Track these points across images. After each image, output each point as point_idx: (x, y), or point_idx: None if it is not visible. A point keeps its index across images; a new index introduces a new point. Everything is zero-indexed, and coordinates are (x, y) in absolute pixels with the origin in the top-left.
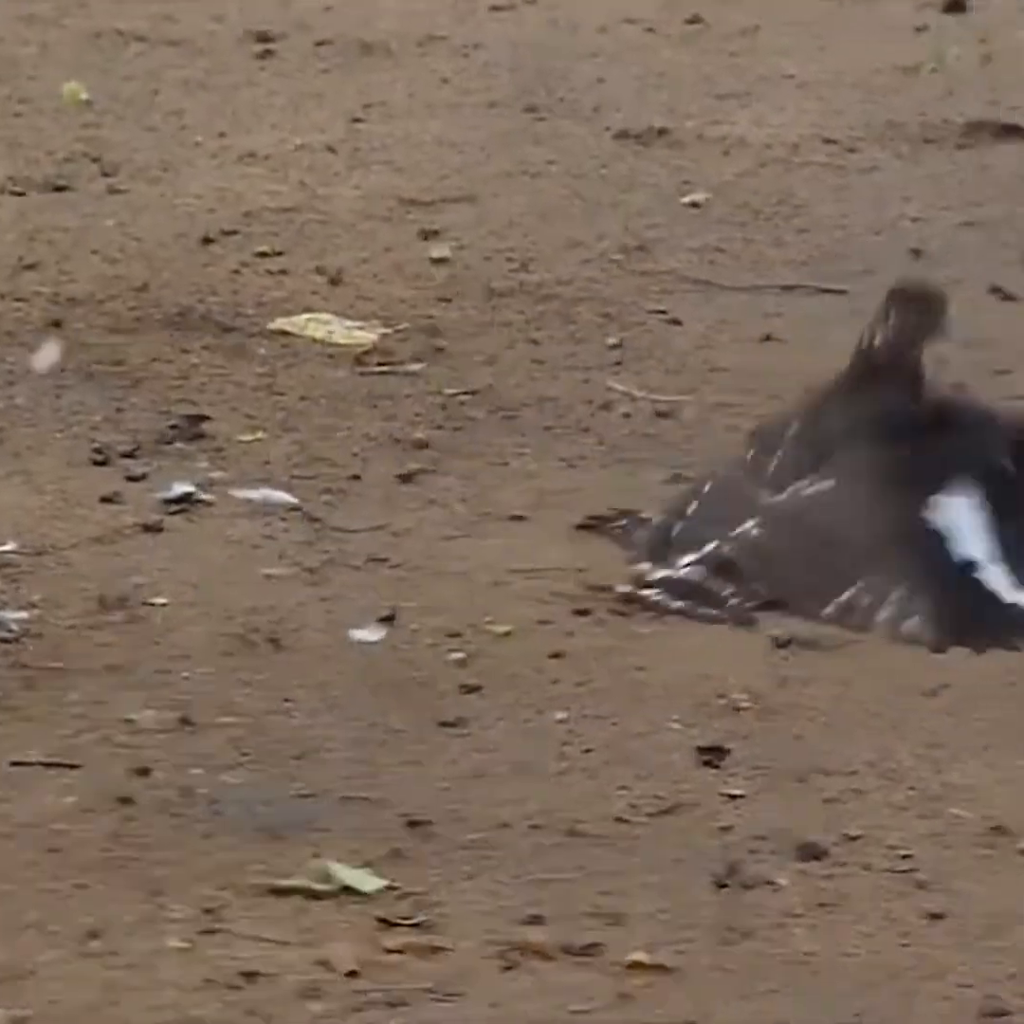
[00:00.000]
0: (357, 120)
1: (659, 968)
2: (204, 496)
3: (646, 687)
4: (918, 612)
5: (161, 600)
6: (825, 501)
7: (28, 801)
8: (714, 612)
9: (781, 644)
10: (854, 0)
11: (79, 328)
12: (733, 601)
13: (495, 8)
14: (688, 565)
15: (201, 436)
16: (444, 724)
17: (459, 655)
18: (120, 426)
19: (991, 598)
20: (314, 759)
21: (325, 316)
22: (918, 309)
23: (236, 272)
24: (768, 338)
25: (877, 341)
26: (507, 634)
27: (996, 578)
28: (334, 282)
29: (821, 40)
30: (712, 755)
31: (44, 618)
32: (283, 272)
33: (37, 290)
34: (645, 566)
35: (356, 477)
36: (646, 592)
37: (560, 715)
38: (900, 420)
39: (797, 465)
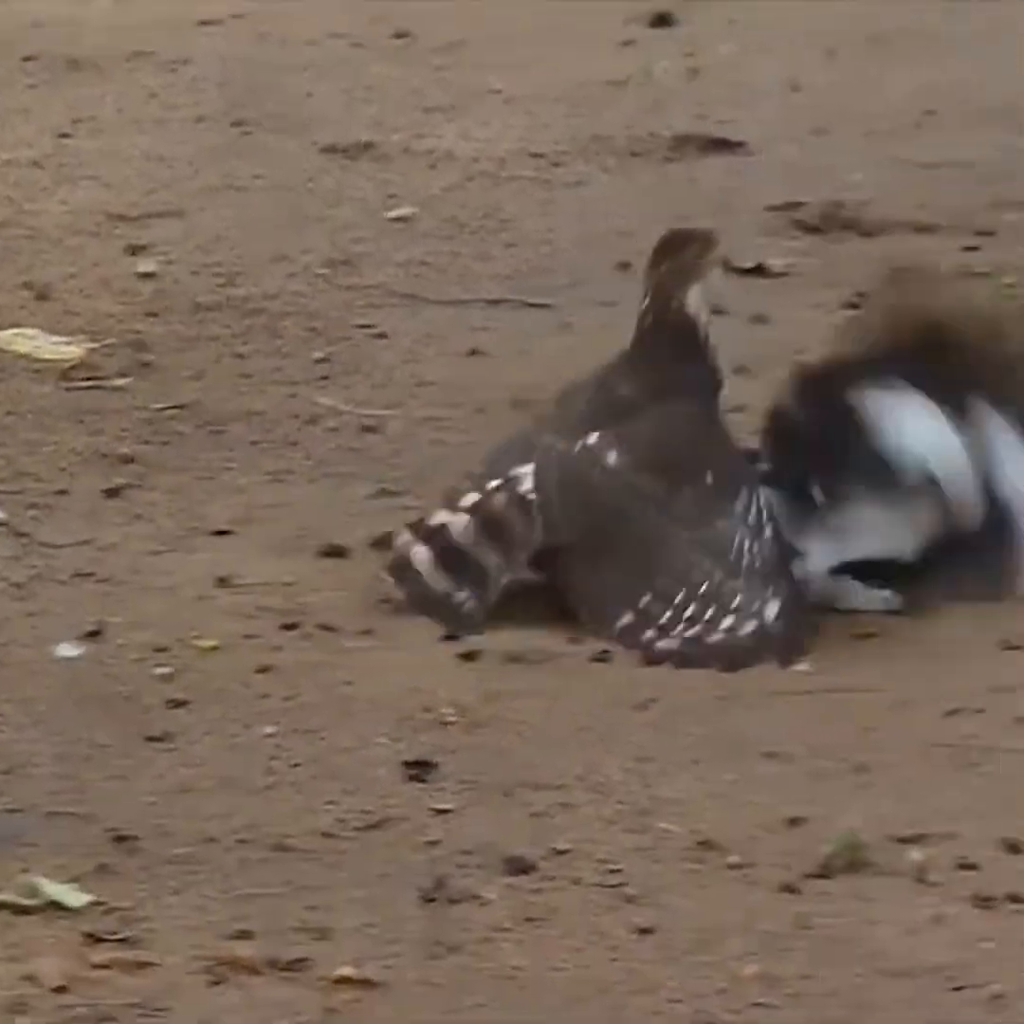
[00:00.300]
0: (64, 135)
1: (366, 982)
2: None
3: (353, 701)
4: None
5: None
6: (612, 475)
7: None
8: (444, 605)
9: (467, 657)
10: (562, 13)
11: None
12: (468, 601)
13: (204, 23)
14: (460, 511)
15: None
16: (151, 739)
17: (165, 670)
18: None
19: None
20: (20, 774)
21: (31, 331)
22: (673, 257)
23: None
24: (474, 352)
25: (643, 300)
26: (214, 649)
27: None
28: (41, 297)
29: (528, 54)
30: (419, 769)
31: None
32: None
33: None
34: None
35: (63, 492)
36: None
37: (267, 730)
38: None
39: (585, 425)
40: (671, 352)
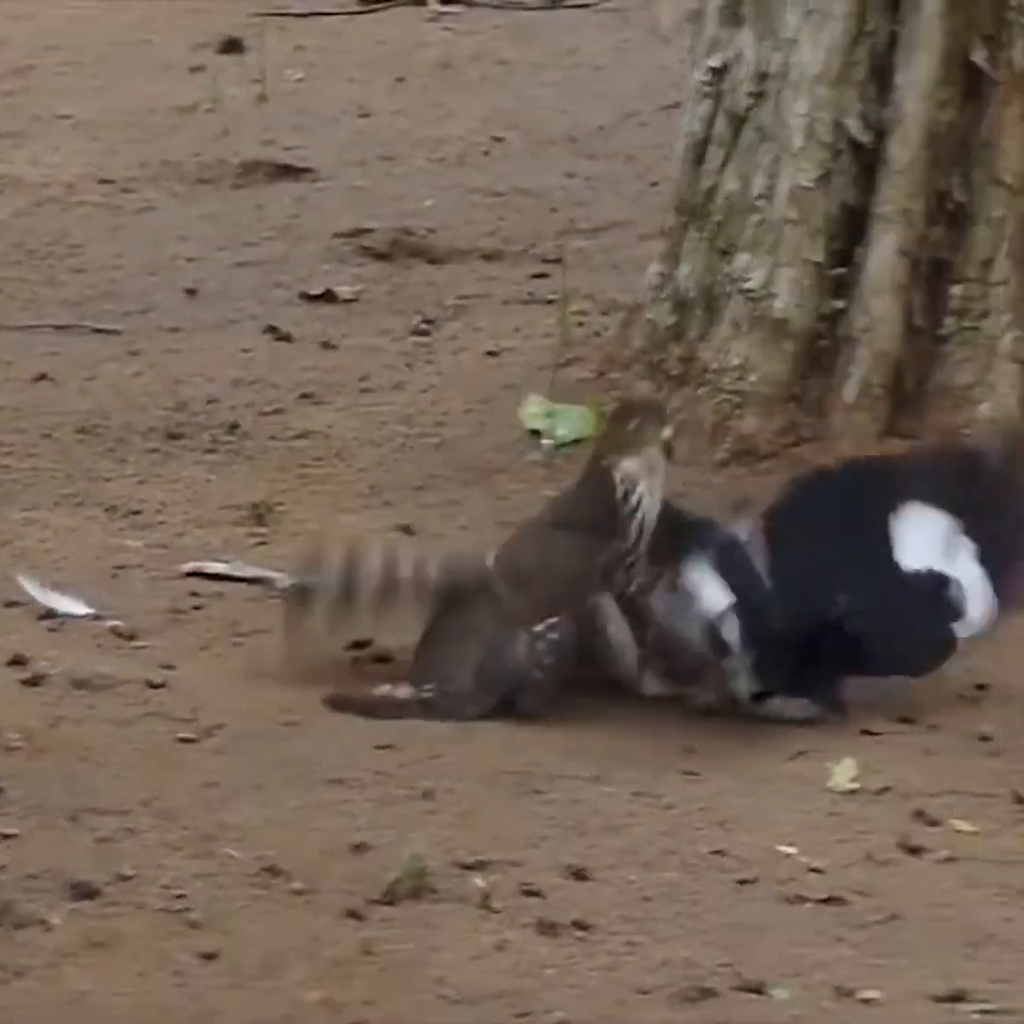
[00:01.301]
0: None
1: None
2: None
3: None
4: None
5: None
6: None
7: None
8: None
9: (31, 683)
10: (131, 39)
11: None
12: None
13: None
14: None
15: None
16: None
17: None
18: None
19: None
20: None
21: None
22: (619, 426)
23: None
24: (42, 377)
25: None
26: None
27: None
28: None
29: (97, 80)
30: None
31: None
32: None
33: None
34: None
35: None
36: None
37: None
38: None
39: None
40: (586, 503)
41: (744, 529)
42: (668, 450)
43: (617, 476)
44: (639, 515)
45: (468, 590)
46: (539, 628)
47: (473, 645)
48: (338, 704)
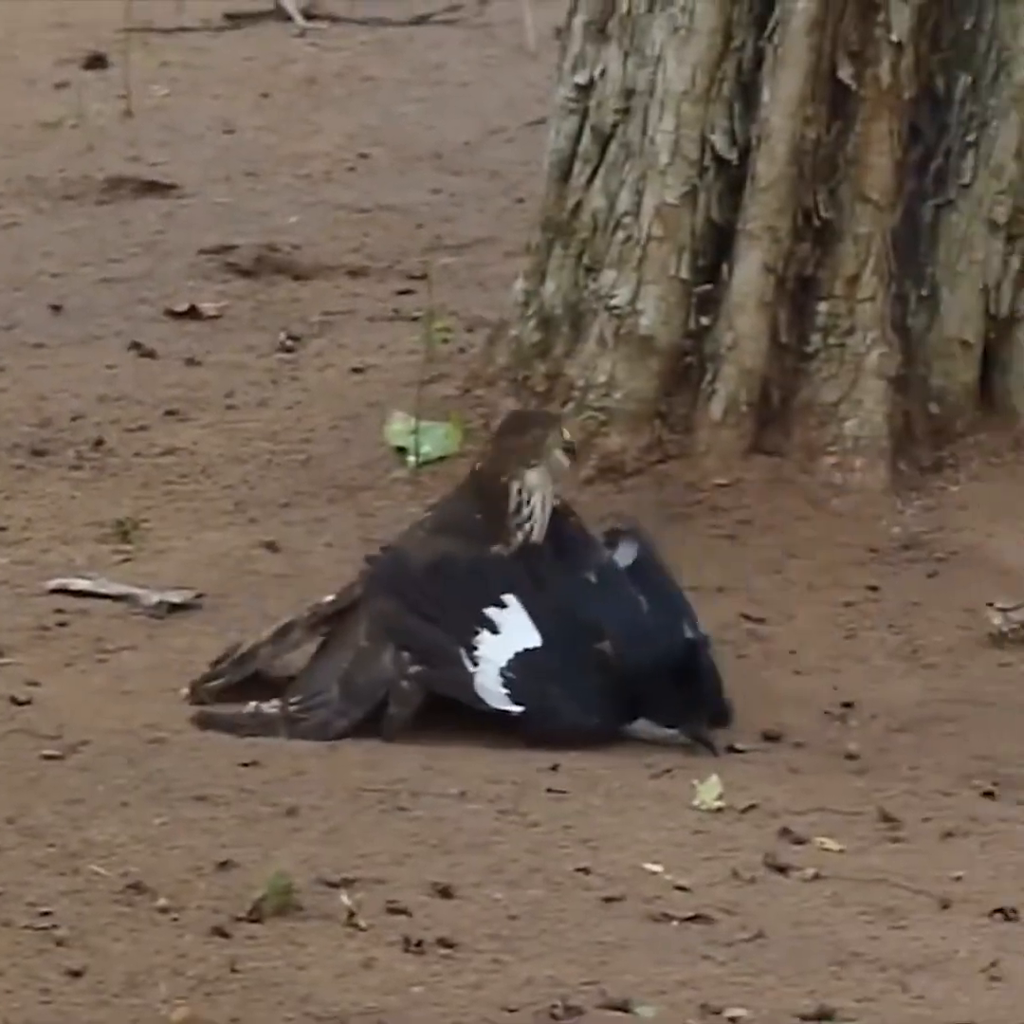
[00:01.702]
0: None
1: None
2: None
3: None
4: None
5: None
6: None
7: None
8: None
9: None
10: None
11: None
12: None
13: None
14: None
15: None
16: None
17: None
18: None
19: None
20: None
21: None
22: (516, 435)
23: None
24: None
25: (479, 463)
26: None
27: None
28: None
29: None
30: None
31: None
32: None
33: None
34: None
35: None
36: None
37: None
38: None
39: None
40: (472, 510)
41: (626, 552)
42: (571, 452)
43: (515, 488)
44: (528, 525)
45: (344, 608)
46: None
47: (342, 657)
48: (205, 722)
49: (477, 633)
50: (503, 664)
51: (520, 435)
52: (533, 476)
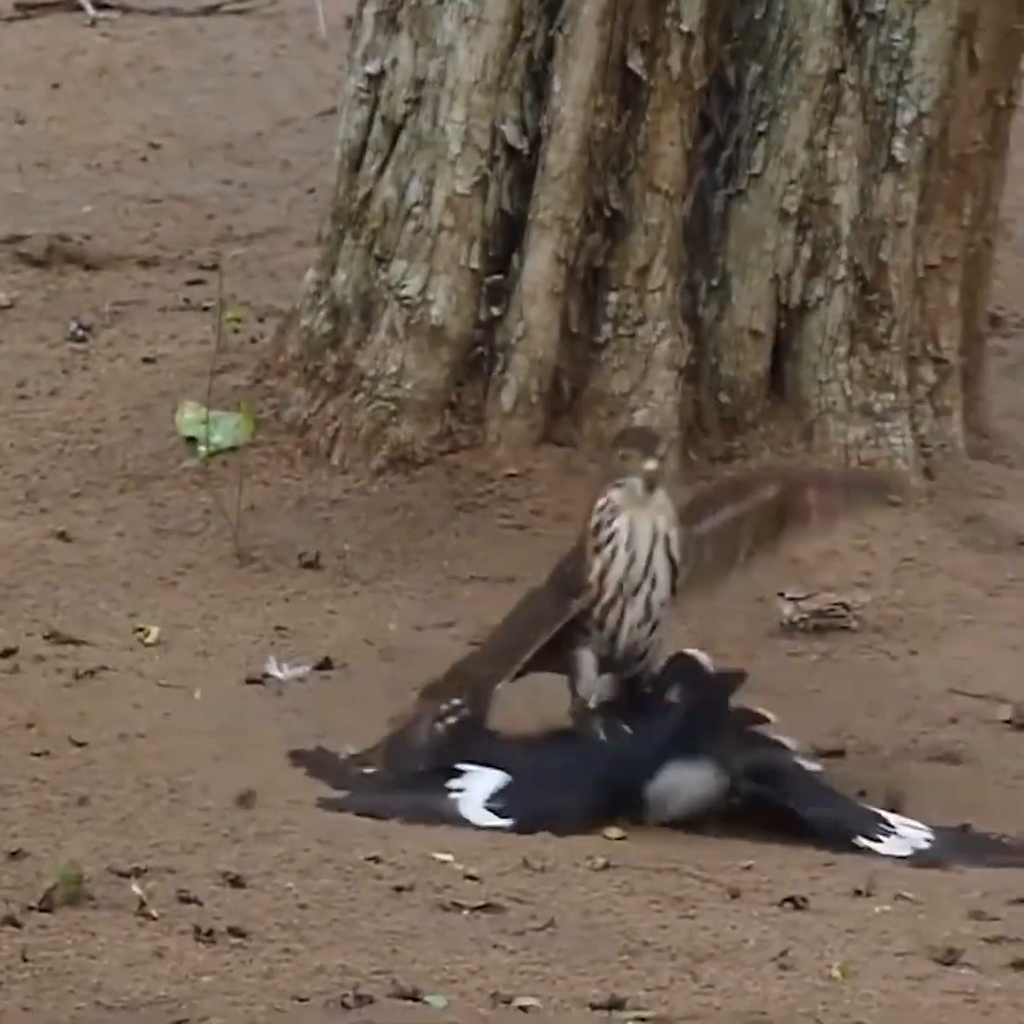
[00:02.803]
0: None
1: None
2: None
3: None
4: None
5: None
6: None
7: None
8: None
9: None
10: None
11: None
12: None
13: None
14: None
15: None
16: None
17: None
18: None
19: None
20: None
21: None
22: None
23: None
24: None
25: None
26: None
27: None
28: None
29: None
30: None
31: None
32: None
33: None
34: None
35: None
36: None
37: None
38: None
39: None
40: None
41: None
42: (650, 484)
43: (599, 503)
44: (608, 549)
45: None
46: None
47: None
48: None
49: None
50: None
51: (614, 450)
52: (618, 495)
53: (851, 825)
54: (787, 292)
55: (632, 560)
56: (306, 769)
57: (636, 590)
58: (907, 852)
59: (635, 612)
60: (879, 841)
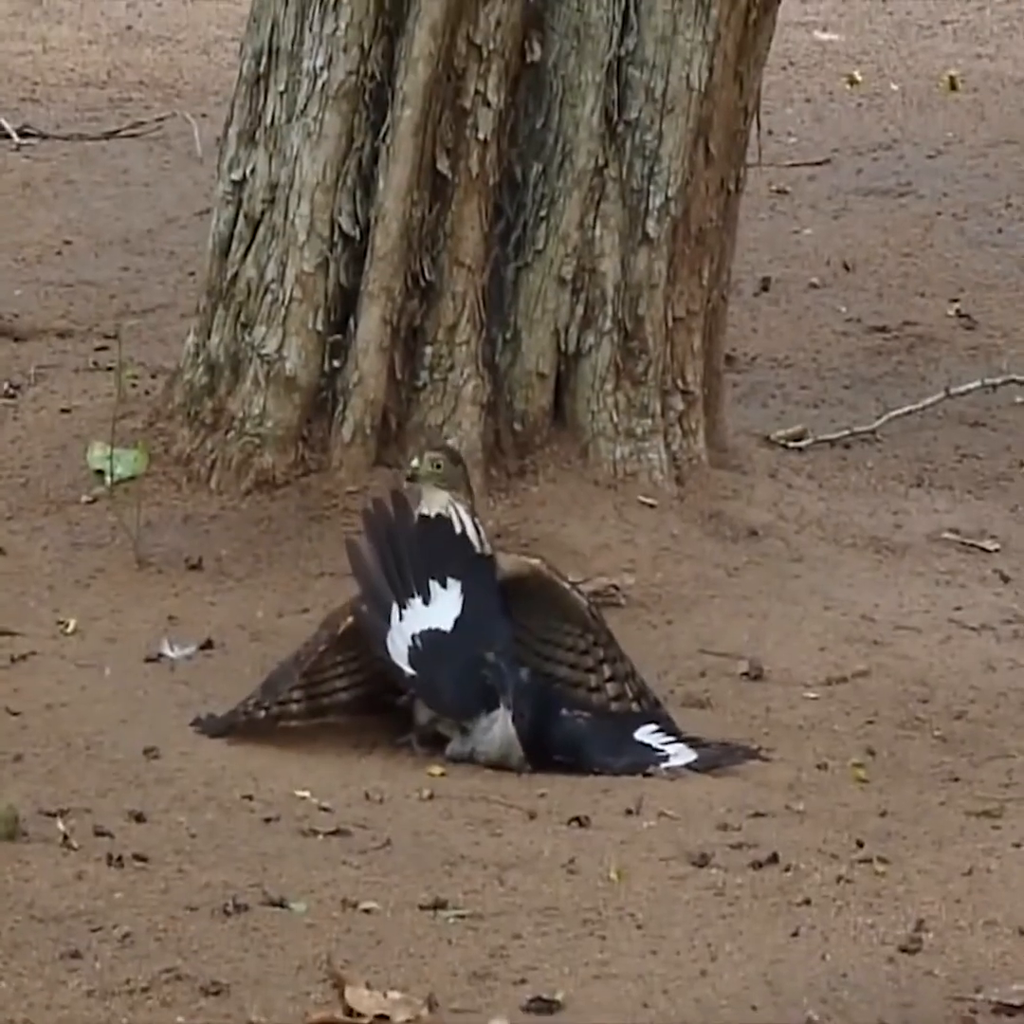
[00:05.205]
0: None
1: None
2: None
3: None
4: None
5: None
6: None
7: None
8: None
9: None
10: None
11: None
12: None
13: None
14: None
15: None
16: None
17: None
18: None
19: None
20: None
21: None
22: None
23: None
24: None
25: None
26: None
27: None
28: None
29: None
30: None
31: None
32: None
33: None
34: None
35: None
36: None
37: None
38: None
39: None
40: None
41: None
42: (410, 477)
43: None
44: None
45: None
46: None
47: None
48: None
49: (413, 597)
50: (416, 632)
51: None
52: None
53: (638, 763)
54: (566, 342)
55: None
56: (198, 729)
57: None
58: (690, 759)
59: None
60: (667, 758)
